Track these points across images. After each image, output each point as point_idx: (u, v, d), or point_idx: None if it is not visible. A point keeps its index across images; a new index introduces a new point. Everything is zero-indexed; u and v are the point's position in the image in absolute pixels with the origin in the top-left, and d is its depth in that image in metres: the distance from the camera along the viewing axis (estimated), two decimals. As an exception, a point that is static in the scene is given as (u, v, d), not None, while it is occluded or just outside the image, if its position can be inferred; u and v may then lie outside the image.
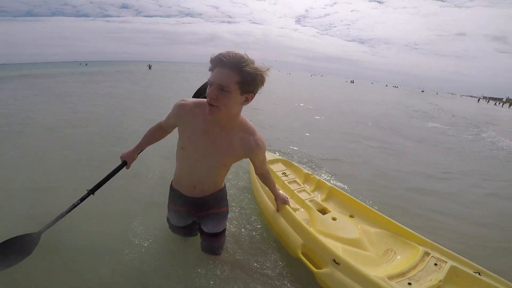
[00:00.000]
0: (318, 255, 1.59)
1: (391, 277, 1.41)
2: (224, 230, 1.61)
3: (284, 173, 2.48)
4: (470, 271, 1.44)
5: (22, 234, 1.47)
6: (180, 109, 1.27)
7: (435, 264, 1.51)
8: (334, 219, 1.88)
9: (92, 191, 1.55)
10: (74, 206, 1.53)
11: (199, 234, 1.63)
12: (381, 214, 1.90)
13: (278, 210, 1.85)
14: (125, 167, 1.57)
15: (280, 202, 1.83)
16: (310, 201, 2.08)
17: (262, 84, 1.13)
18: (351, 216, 2.00)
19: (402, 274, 1.45)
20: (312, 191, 2.26)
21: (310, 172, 2.49)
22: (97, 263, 1.61)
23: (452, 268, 1.46)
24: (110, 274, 1.56)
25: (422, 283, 1.39)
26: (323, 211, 1.99)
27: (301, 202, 2.08)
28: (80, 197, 1.53)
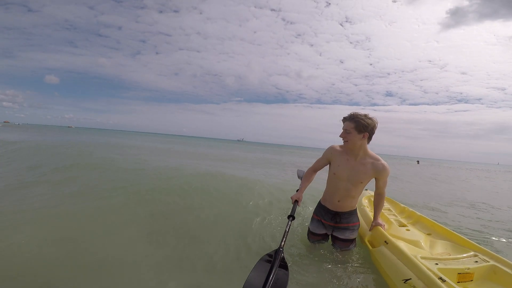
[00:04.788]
0: (376, 239, 2.22)
1: (424, 258, 1.81)
2: (355, 239, 2.32)
3: None
4: (509, 271, 1.68)
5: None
6: (333, 150, 2.18)
7: (476, 261, 1.81)
8: (407, 230, 2.40)
9: (291, 218, 2.00)
10: (286, 232, 1.88)
11: (330, 242, 2.37)
12: (452, 231, 2.31)
13: (370, 230, 2.36)
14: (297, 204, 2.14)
15: (375, 224, 2.31)
16: (394, 220, 2.68)
17: (371, 128, 2.00)
18: (428, 234, 2.42)
19: (436, 259, 1.82)
20: (402, 217, 2.84)
21: (407, 207, 3.02)
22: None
23: (492, 267, 1.74)
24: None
25: (449, 266, 1.73)
26: (402, 226, 2.53)
27: (385, 219, 2.69)
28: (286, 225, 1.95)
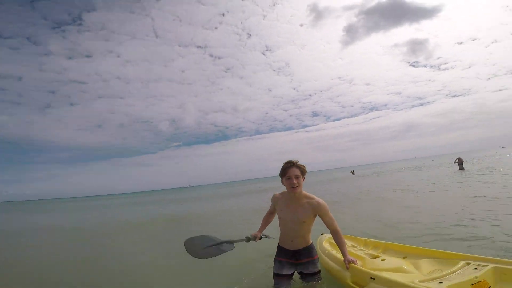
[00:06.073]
0: (360, 278, 2.09)
1: (422, 281, 1.71)
2: (319, 271, 2.40)
3: None
4: None
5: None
6: (274, 198, 2.46)
7: (475, 269, 1.77)
8: (383, 260, 2.39)
9: (247, 240, 2.49)
10: (236, 241, 2.56)
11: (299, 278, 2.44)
12: (427, 248, 2.33)
13: (347, 268, 2.25)
14: (252, 240, 2.49)
15: (348, 262, 2.26)
16: (365, 254, 2.64)
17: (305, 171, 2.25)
18: (404, 258, 2.40)
19: (435, 278, 1.74)
20: (369, 250, 2.81)
21: (368, 239, 3.00)
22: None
23: (495, 269, 1.72)
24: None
25: (454, 281, 1.65)
26: (376, 258, 2.49)
27: (356, 256, 2.57)
28: (241, 238, 2.51)
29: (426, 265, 2.11)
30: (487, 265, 1.79)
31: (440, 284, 1.64)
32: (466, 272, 1.78)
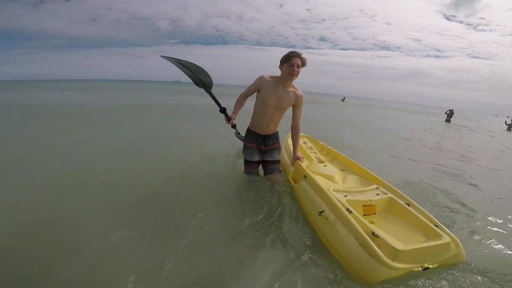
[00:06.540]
0: (298, 175, 2.43)
1: (336, 190, 2.01)
2: (280, 160, 2.66)
3: (304, 143, 3.47)
4: (402, 202, 1.88)
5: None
6: (263, 79, 2.37)
7: (377, 194, 2.01)
8: (325, 166, 2.65)
9: (222, 110, 2.53)
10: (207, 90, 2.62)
11: (263, 172, 2.67)
12: (361, 166, 2.55)
13: (292, 164, 2.62)
14: (225, 117, 2.49)
15: (295, 158, 2.60)
16: (315, 157, 2.91)
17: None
18: (342, 170, 2.68)
19: (346, 192, 2.03)
20: (321, 155, 3.09)
21: (325, 145, 3.31)
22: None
23: (390, 199, 1.94)
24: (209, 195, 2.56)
25: (355, 198, 1.93)
26: (321, 163, 2.76)
27: (307, 156, 2.92)
28: (220, 103, 2.58)
29: (351, 180, 2.40)
30: (387, 194, 2.00)
31: (345, 197, 1.92)
32: (370, 194, 2.02)
